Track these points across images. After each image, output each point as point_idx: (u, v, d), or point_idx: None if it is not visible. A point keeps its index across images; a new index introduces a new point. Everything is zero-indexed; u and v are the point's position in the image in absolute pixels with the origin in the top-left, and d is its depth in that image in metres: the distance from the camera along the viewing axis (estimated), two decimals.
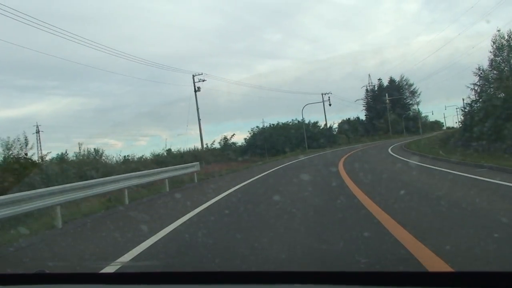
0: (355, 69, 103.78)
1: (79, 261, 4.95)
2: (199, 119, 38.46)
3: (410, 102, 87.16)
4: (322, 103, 54.35)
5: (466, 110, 33.58)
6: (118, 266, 4.24)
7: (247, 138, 47.64)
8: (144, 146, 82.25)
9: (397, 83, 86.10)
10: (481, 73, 31.91)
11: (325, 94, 55.59)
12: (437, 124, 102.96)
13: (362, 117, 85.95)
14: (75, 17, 76.40)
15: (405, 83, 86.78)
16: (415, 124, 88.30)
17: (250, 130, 48.93)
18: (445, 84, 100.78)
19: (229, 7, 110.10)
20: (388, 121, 75.75)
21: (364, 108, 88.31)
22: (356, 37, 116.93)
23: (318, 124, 55.74)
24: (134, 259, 4.80)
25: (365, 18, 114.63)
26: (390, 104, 76.49)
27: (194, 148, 35.92)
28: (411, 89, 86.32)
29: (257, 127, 49.21)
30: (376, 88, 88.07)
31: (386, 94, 41.48)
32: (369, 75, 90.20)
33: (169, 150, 32.24)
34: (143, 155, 29.53)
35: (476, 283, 1.59)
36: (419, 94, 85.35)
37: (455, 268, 3.43)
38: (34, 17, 41.70)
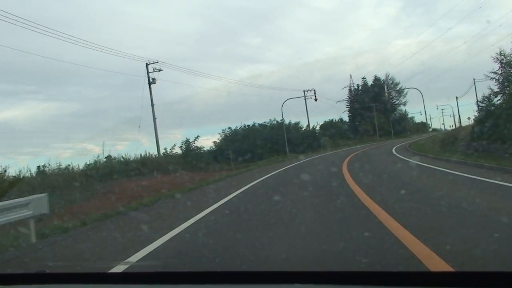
0: (335, 72, 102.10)
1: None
2: (154, 118, 30.96)
3: (397, 102, 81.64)
4: (304, 98, 47.41)
5: (484, 104, 27.65)
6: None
7: (218, 141, 40.27)
8: (121, 151, 77.43)
9: (382, 82, 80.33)
10: (502, 59, 25.76)
11: (307, 90, 48.81)
12: (423, 126, 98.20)
13: (345, 119, 80.00)
14: (55, 21, 72.41)
15: (390, 81, 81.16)
16: (403, 125, 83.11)
17: (221, 132, 41.58)
18: (426, 86, 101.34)
19: (208, 12, 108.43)
20: (374, 123, 69.63)
21: (347, 109, 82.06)
22: (335, 41, 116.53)
23: (300, 125, 48.89)
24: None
25: (344, 22, 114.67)
26: (390, 99, 70.81)
27: (146, 155, 28.33)
28: (397, 88, 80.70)
29: (229, 128, 41.90)
30: (360, 88, 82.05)
31: (385, 87, 34.72)
32: (350, 75, 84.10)
33: (108, 157, 24.63)
34: (69, 164, 21.83)
35: (477, 283, 1.56)
36: (406, 94, 79.93)
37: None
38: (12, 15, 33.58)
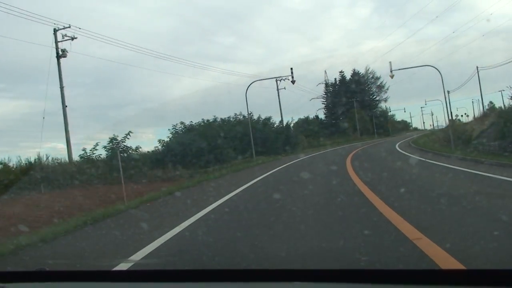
0: (308, 72, 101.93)
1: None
2: (63, 106, 21.72)
3: (377, 99, 74.45)
4: (276, 83, 38.94)
5: None
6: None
7: (167, 140, 31.10)
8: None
9: (361, 76, 73.08)
10: None
11: (280, 79, 40.39)
12: (404, 124, 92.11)
13: (321, 117, 72.22)
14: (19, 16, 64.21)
15: (371, 75, 73.99)
16: (385, 123, 76.30)
17: (171, 128, 32.35)
18: (401, 85, 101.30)
19: (181, 10, 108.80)
20: (355, 120, 62.06)
21: (324, 105, 74.01)
22: (308, 41, 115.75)
23: (271, 121, 40.21)
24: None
25: (316, 23, 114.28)
26: (370, 94, 62.94)
27: (42, 159, 19.02)
28: (378, 83, 73.63)
29: (181, 123, 32.73)
30: (337, 83, 74.26)
31: (390, 63, 26.89)
32: (325, 71, 76.27)
33: None
34: None
35: (480, 281, 1.52)
36: (387, 89, 72.97)
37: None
38: None
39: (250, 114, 35.84)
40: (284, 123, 40.73)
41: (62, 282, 2.11)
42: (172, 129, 32.31)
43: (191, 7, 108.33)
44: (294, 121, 51.76)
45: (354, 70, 73.21)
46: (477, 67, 43.62)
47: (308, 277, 1.80)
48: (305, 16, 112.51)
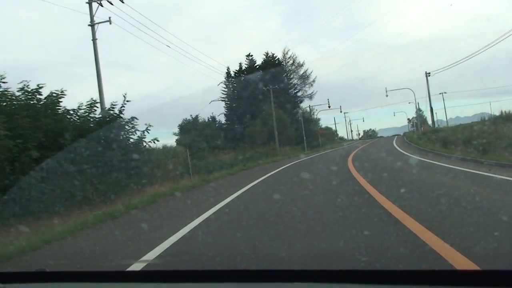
0: (214, 83, 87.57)
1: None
2: None
3: (300, 94, 52.48)
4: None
5: None
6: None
7: None
8: None
9: (278, 60, 50.58)
10: None
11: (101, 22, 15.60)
12: (330, 132, 72.33)
13: (223, 121, 48.53)
14: None
15: (290, 61, 52.06)
16: (311, 129, 55.35)
17: None
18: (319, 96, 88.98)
19: (89, 17, 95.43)
20: (272, 123, 39.05)
21: (225, 105, 50.23)
22: (217, 52, 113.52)
23: (92, 108, 13.97)
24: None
25: (226, 34, 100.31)
26: (292, 87, 40.34)
27: None
28: (302, 72, 51.94)
29: None
30: (244, 70, 50.99)
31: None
32: (228, 67, 52.93)
33: None
34: None
35: (481, 282, 1.48)
36: (314, 81, 51.76)
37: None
38: None
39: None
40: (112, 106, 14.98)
41: (63, 283, 2.08)
42: None
43: (99, 15, 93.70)
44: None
45: (268, 53, 50.84)
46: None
47: (308, 278, 1.75)
48: (215, 27, 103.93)
